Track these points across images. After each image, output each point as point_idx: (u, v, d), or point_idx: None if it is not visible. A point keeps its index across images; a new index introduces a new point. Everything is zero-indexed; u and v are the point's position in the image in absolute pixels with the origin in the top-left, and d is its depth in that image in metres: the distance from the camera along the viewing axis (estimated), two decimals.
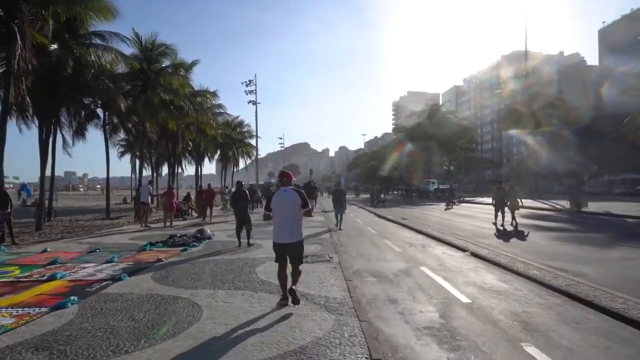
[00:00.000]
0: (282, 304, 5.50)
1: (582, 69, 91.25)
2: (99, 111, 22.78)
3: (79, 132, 22.81)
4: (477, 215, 21.61)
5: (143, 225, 16.64)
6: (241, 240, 10.92)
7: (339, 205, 15.98)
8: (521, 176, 71.47)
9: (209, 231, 12.93)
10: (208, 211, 19.87)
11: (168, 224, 16.70)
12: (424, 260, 9.11)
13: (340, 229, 15.11)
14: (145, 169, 38.10)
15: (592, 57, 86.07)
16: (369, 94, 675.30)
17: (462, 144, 64.81)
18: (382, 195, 35.06)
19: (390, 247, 10.98)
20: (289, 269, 5.61)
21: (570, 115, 45.08)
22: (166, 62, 23.61)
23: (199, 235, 12.22)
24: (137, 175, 45.21)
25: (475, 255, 9.40)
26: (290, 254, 5.59)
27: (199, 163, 38.64)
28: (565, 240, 12.26)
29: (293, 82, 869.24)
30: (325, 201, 30.24)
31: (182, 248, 10.47)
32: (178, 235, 12.36)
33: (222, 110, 38.96)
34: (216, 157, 50.85)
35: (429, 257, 9.53)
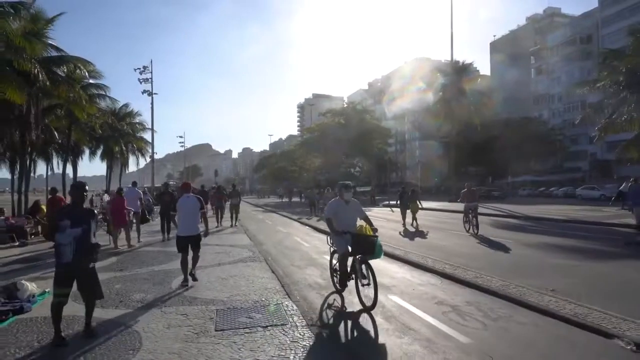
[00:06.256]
0: (184, 285, 7.08)
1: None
2: None
3: None
4: (443, 227, 17.25)
5: None
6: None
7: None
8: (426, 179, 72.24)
9: (29, 289, 6.10)
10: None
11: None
12: None
13: None
14: None
15: (485, 68, 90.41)
16: (273, 95, 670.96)
17: (378, 144, 62.65)
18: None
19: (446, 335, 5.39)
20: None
21: (463, 122, 44.20)
22: None
23: None
24: None
25: None
26: (192, 243, 7.27)
27: (67, 160, 29.39)
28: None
29: (193, 80, 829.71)
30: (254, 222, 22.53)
31: None
32: None
33: (104, 92, 29.92)
34: (99, 153, 41.25)
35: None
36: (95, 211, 5.29)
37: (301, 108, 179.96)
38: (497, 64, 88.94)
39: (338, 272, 6.52)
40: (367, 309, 5.82)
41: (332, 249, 6.78)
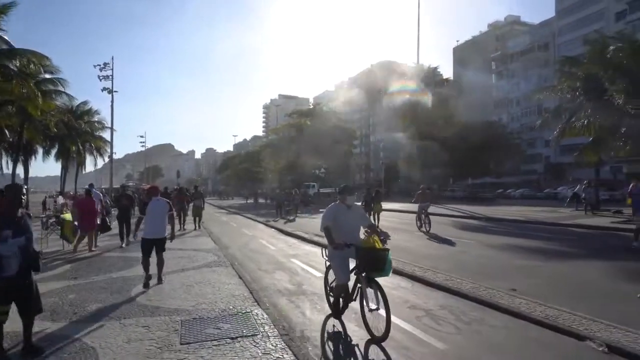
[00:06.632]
0: (145, 283, 7.11)
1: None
2: None
3: None
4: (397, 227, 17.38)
5: None
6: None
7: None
8: (389, 181, 73.17)
9: None
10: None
11: None
12: None
13: None
14: None
15: (448, 72, 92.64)
16: (239, 95, 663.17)
17: (343, 145, 62.97)
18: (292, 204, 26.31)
19: None
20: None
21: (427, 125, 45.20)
22: None
23: None
24: None
25: None
26: (156, 246, 7.24)
27: (18, 159, 27.75)
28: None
29: (158, 78, 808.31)
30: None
31: None
32: None
33: (61, 89, 28.34)
34: (53, 152, 39.27)
35: None
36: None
37: (267, 109, 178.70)
38: (460, 68, 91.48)
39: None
40: (377, 340, 4.64)
41: (327, 264, 5.54)
